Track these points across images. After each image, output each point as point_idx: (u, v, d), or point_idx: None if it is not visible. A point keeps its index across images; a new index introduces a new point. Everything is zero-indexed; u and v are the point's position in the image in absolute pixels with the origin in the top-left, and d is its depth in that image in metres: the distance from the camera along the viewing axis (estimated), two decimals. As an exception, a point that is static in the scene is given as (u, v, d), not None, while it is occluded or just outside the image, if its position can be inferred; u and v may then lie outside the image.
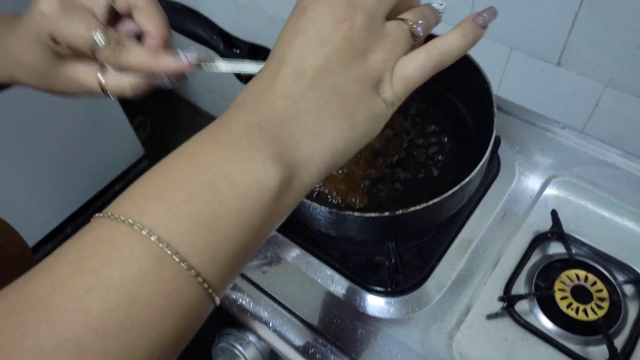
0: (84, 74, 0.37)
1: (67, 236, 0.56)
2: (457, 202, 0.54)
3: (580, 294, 0.55)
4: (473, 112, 0.66)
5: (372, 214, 0.50)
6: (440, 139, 0.65)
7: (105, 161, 1.65)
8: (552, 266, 0.58)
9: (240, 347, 0.55)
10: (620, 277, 0.57)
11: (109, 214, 0.24)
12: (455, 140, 0.65)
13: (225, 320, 0.57)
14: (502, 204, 0.62)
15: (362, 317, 0.55)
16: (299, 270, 0.59)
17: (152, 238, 0.23)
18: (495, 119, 0.55)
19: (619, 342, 0.52)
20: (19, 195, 1.42)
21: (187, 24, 0.49)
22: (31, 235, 1.49)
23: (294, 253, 0.60)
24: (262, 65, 0.35)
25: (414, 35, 0.30)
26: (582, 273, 0.56)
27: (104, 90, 0.37)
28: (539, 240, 0.60)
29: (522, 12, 0.78)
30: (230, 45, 0.49)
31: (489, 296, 0.56)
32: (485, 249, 0.59)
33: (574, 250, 0.58)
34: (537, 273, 0.57)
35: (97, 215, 0.25)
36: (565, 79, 0.82)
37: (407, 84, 0.30)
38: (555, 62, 0.81)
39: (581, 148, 0.66)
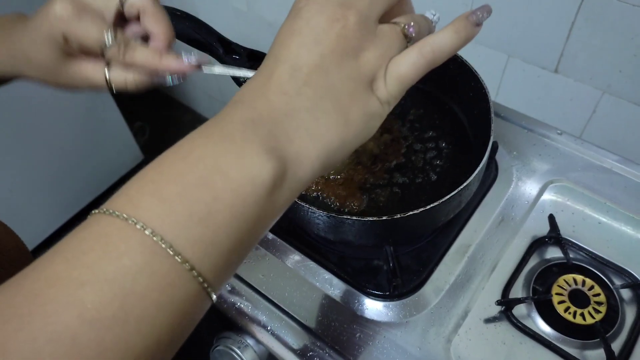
0: (91, 70, 0.40)
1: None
2: (455, 207, 0.55)
3: (578, 298, 0.55)
4: (471, 118, 0.66)
5: (370, 218, 0.50)
6: (438, 145, 0.65)
7: (104, 166, 1.65)
8: (550, 270, 0.58)
9: (238, 351, 0.55)
10: (618, 282, 0.57)
11: (105, 209, 0.25)
12: (453, 146, 0.65)
13: (224, 323, 0.58)
14: (500, 209, 0.63)
15: (360, 321, 0.55)
16: (297, 274, 0.59)
17: (147, 232, 0.23)
18: (492, 125, 0.55)
19: (616, 345, 0.52)
20: (19, 199, 1.42)
21: (187, 30, 0.50)
22: (30, 239, 1.49)
23: (292, 257, 0.61)
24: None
25: (406, 36, 0.31)
26: (579, 277, 0.56)
27: (109, 86, 0.40)
28: (537, 245, 0.60)
29: (520, 19, 0.79)
30: (230, 51, 0.49)
31: (487, 300, 0.56)
32: (483, 253, 0.59)
33: (571, 255, 0.59)
34: (534, 277, 0.58)
35: (93, 211, 0.25)
36: (562, 86, 0.82)
37: (401, 82, 0.30)
38: (552, 69, 0.82)
39: (578, 154, 0.67)
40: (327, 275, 0.59)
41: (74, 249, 0.24)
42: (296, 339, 0.54)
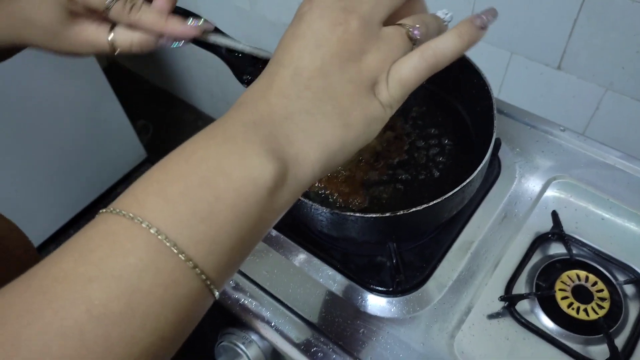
0: (94, 32, 0.40)
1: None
2: (458, 203, 0.55)
3: (581, 294, 0.55)
4: (473, 115, 0.66)
5: (374, 215, 0.50)
6: (441, 141, 0.66)
7: (108, 164, 1.66)
8: (553, 266, 0.59)
9: (242, 346, 0.55)
10: (621, 277, 0.57)
11: (112, 209, 0.25)
12: (455, 143, 0.65)
13: (228, 319, 0.58)
14: (503, 205, 0.63)
15: (364, 317, 0.55)
16: (301, 271, 0.59)
17: (152, 230, 0.24)
18: (495, 122, 0.56)
19: (619, 341, 0.53)
20: (23, 197, 1.43)
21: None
22: (35, 237, 1.50)
23: (296, 254, 0.61)
24: (255, 49, 0.40)
25: (411, 39, 0.30)
26: (582, 273, 0.57)
27: (113, 48, 0.40)
28: (540, 241, 0.60)
29: (523, 17, 0.79)
30: (232, 49, 0.50)
31: (490, 296, 0.56)
32: (486, 249, 0.59)
33: (574, 251, 0.59)
34: (537, 273, 0.58)
35: (101, 211, 0.26)
36: (565, 83, 0.82)
37: (403, 85, 0.30)
38: (555, 66, 0.82)
39: (581, 150, 0.67)
40: (331, 271, 0.59)
41: (82, 247, 0.24)
42: (300, 335, 0.54)
